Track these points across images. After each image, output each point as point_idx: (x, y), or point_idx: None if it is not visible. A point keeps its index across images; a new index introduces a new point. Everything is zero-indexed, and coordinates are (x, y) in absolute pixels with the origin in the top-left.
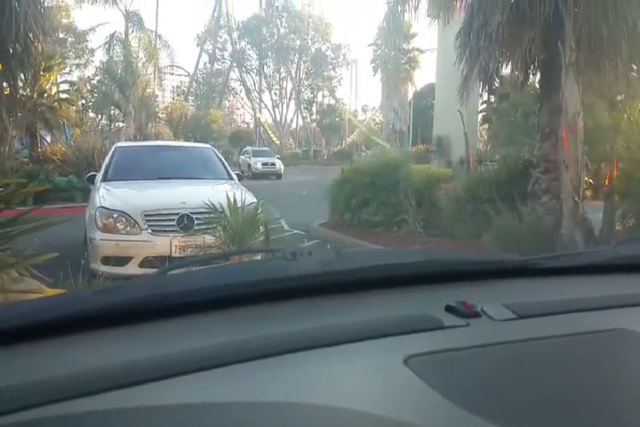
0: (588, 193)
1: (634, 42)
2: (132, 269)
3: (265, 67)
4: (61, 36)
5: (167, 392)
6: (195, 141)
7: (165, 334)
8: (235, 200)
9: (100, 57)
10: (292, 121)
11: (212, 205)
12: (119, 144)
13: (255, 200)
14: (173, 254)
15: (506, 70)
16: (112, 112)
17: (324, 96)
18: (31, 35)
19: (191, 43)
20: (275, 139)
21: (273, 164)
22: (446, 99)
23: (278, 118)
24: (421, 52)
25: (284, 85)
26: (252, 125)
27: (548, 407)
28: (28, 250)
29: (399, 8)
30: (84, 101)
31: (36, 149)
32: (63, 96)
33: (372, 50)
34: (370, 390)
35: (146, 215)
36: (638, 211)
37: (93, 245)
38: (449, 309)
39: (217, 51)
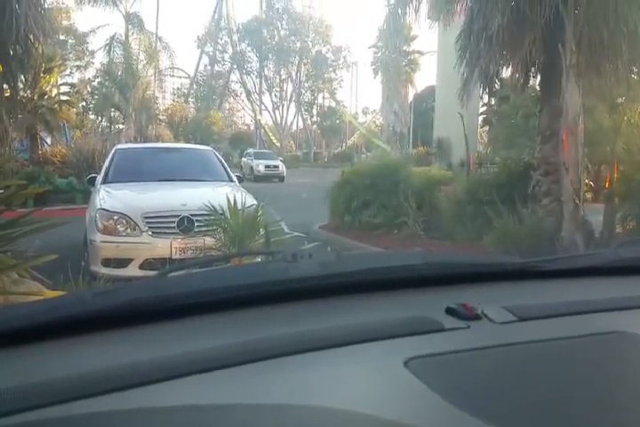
0: (589, 195)
1: (634, 44)
2: (132, 271)
3: (265, 69)
4: (62, 37)
5: (170, 394)
6: (195, 143)
7: (167, 335)
8: (235, 202)
9: (100, 59)
10: (292, 123)
11: (213, 207)
12: (119, 146)
13: (255, 202)
14: (174, 256)
15: (506, 73)
16: (112, 114)
17: (324, 98)
18: (31, 36)
19: (191, 45)
20: (275, 141)
21: (276, 166)
22: (447, 101)
23: (279, 120)
24: (422, 54)
25: (285, 87)
26: (252, 127)
27: (549, 410)
28: (28, 252)
29: (400, 10)
30: (84, 103)
31: (36, 151)
32: (63, 98)
33: (373, 52)
34: (370, 393)
35: (146, 217)
36: (639, 213)
37: (94, 246)
38: (449, 311)
39: (217, 53)
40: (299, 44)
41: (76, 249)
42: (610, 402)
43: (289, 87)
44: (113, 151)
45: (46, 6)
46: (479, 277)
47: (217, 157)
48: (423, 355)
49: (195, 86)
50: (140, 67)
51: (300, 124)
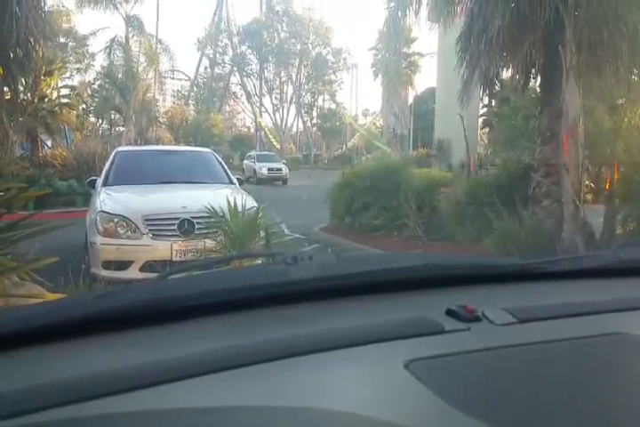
0: (589, 197)
1: (634, 45)
2: (132, 273)
3: (265, 71)
4: (62, 40)
5: (178, 395)
6: (195, 146)
7: (168, 338)
8: (235, 204)
9: (100, 61)
10: (292, 125)
11: (213, 209)
12: (120, 148)
13: (256, 204)
14: (174, 259)
15: (506, 74)
16: (113, 116)
17: (324, 100)
18: (32, 39)
19: (192, 47)
20: (275, 143)
21: (279, 169)
22: (447, 103)
23: (279, 122)
24: (422, 56)
25: (285, 89)
26: (252, 130)
27: (549, 411)
28: (29, 254)
29: (400, 12)
30: (84, 106)
31: (36, 154)
32: (64, 100)
33: (373, 54)
34: (370, 395)
35: (146, 220)
36: (639, 215)
37: (94, 249)
38: (450, 313)
39: (217, 55)
40: (299, 47)
41: (76, 252)
42: (611, 404)
43: (289, 89)
44: (113, 154)
45: (47, 9)
46: (479, 279)
47: (217, 159)
48: (424, 357)
49: (195, 89)
50: (140, 69)
51: (301, 126)
